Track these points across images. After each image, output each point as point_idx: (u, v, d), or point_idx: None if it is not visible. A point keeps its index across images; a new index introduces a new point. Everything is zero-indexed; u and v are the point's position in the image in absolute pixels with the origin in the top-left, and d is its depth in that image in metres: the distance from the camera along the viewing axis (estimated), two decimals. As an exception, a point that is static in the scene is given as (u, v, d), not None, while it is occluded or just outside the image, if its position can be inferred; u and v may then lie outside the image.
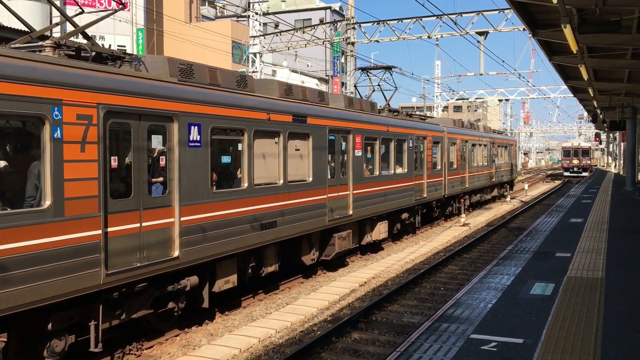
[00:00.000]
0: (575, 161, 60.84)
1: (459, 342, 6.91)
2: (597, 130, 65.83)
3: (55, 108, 7.06)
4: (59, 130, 7.09)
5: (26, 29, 8.51)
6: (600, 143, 74.64)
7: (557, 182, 55.94)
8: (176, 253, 8.94)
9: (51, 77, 7.05)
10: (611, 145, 73.51)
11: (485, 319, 7.82)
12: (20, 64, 6.81)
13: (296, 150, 12.56)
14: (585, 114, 66.37)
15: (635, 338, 6.89)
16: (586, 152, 62.41)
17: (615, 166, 65.59)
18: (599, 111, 37.48)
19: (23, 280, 6.69)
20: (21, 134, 7.40)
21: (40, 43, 7.98)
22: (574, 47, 13.37)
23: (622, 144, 50.90)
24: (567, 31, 11.86)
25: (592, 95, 27.19)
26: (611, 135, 66.57)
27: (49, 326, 7.33)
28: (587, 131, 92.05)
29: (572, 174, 59.74)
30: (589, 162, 62.96)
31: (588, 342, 6.73)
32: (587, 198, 26.56)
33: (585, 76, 18.95)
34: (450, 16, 27.77)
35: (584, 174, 57.83)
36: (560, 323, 7.49)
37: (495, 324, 7.57)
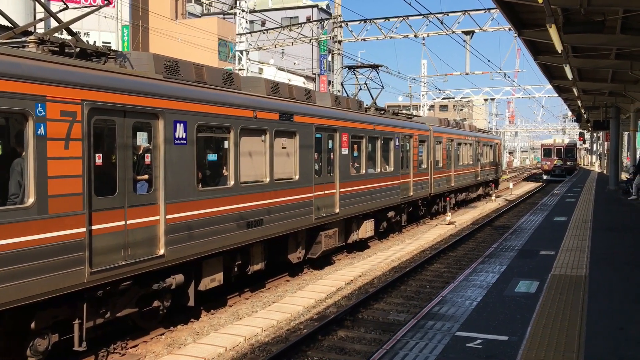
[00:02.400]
0: (558, 162, 52.51)
1: (445, 340, 6.94)
2: (581, 130, 65.95)
3: (39, 104, 6.98)
4: (42, 127, 7.01)
5: (9, 25, 8.41)
6: (584, 142, 74.61)
7: (541, 181, 52.41)
8: (161, 251, 8.89)
9: (35, 73, 6.97)
10: (595, 144, 73.96)
11: (470, 317, 7.86)
12: (3, 59, 6.71)
13: (283, 148, 12.54)
14: (570, 113, 65.47)
15: (619, 335, 6.96)
16: (571, 152, 53.46)
17: (598, 165, 65.00)
18: (583, 111, 37.87)
19: (6, 279, 6.60)
20: (3, 131, 7.30)
21: (23, 39, 7.90)
22: (558, 47, 13.48)
23: (605, 143, 51.32)
24: (552, 31, 11.95)
25: (576, 94, 27.45)
26: (595, 134, 66.98)
27: (33, 325, 7.25)
28: (571, 130, 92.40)
29: (553, 177, 51.26)
30: (573, 162, 54.22)
31: (572, 339, 6.79)
32: (571, 197, 26.81)
33: (569, 76, 19.12)
34: (436, 15, 27.87)
35: (569, 177, 48.81)
36: (544, 320, 7.54)
37: (480, 322, 7.61)
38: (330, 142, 14.76)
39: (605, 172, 48.07)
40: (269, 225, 11.79)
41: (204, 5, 56.64)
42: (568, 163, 53.31)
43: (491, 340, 6.86)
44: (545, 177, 53.81)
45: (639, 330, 7.15)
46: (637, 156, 30.41)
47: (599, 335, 6.91)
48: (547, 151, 54.80)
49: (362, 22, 30.00)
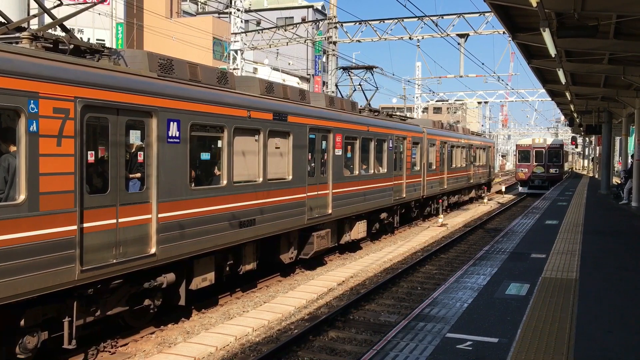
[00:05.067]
0: (538, 169, 39.66)
1: (435, 341, 6.95)
2: (573, 134, 66.12)
3: (32, 101, 6.95)
4: (34, 124, 6.98)
5: (3, 20, 8.36)
6: (577, 147, 74.69)
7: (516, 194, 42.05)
8: (153, 250, 8.87)
9: (28, 70, 6.94)
10: (587, 149, 74.20)
11: (461, 319, 7.88)
12: (-4, 55, 6.68)
13: (276, 148, 12.53)
14: (562, 117, 65.45)
15: (608, 338, 7.00)
16: (556, 155, 40.30)
17: (590, 170, 64.94)
18: (575, 115, 38.02)
19: (-5, 276, 6.57)
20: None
21: (17, 35, 7.86)
22: (552, 51, 13.54)
23: (597, 147, 51.45)
24: (546, 35, 12.00)
25: (569, 99, 27.57)
26: (587, 139, 67.23)
27: (22, 322, 7.22)
28: (563, 134, 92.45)
29: (531, 190, 39.17)
30: (559, 169, 40.74)
31: (561, 341, 6.83)
32: (562, 201, 26.93)
33: (562, 80, 19.20)
34: (431, 18, 27.95)
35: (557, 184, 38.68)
36: (534, 323, 7.58)
37: (470, 324, 7.63)
38: (323, 142, 14.76)
39: (596, 176, 48.25)
40: (262, 225, 11.78)
41: (199, 4, 56.54)
42: (552, 170, 39.76)
43: (481, 342, 6.88)
44: (520, 189, 40.82)
45: (628, 333, 7.19)
46: (629, 161, 30.60)
47: (588, 338, 6.95)
48: (523, 154, 40.65)
49: (357, 23, 30.03)
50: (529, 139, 43.46)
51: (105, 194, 8.11)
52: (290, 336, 9.36)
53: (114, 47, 34.18)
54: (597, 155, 50.55)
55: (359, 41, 30.43)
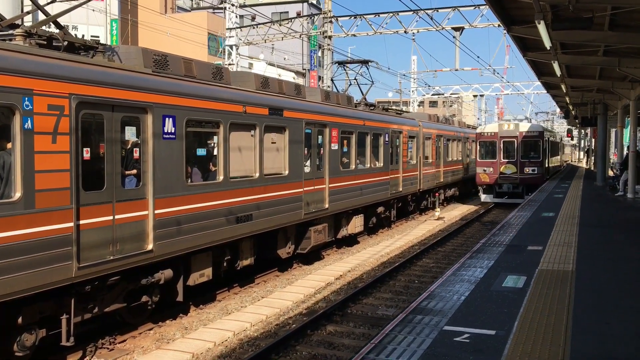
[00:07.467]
0: (508, 168, 27.87)
1: (433, 334, 6.97)
2: (569, 127, 66.16)
3: (26, 98, 6.92)
4: (29, 121, 6.96)
5: (-4, 17, 8.32)
6: (572, 139, 74.68)
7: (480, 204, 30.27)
8: (150, 246, 8.86)
9: (22, 67, 6.91)
10: (582, 141, 74.25)
11: (458, 311, 7.90)
12: (-10, 52, 6.65)
13: (272, 143, 12.52)
14: (558, 110, 65.42)
15: (604, 329, 7.03)
16: (533, 147, 28.24)
17: (586, 162, 64.79)
18: (571, 107, 38.07)
19: (-8, 274, 6.56)
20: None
21: (10, 32, 7.82)
22: (547, 44, 13.54)
23: (593, 139, 51.50)
24: (541, 27, 12.00)
25: (564, 91, 27.57)
26: (582, 131, 67.31)
27: (19, 320, 7.21)
28: (559, 127, 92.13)
29: (498, 199, 28.19)
30: (538, 168, 28.21)
31: (558, 333, 6.85)
32: (558, 193, 26.97)
33: (558, 72, 19.21)
34: (426, 11, 27.90)
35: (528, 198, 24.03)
36: (531, 315, 7.60)
37: (468, 316, 7.65)
38: (320, 137, 14.76)
39: (592, 168, 48.31)
40: (258, 221, 11.78)
41: (194, -1, 56.31)
42: (527, 170, 27.91)
43: (479, 334, 6.90)
44: (483, 197, 28.83)
45: (624, 325, 7.22)
46: (624, 152, 30.61)
47: (585, 330, 6.97)
48: (486, 147, 28.56)
49: (352, 17, 29.98)
50: (494, 124, 30.01)
51: (102, 190, 8.09)
52: (289, 331, 9.38)
53: (109, 43, 34.03)
54: (593, 146, 50.55)
55: (354, 35, 30.39)
